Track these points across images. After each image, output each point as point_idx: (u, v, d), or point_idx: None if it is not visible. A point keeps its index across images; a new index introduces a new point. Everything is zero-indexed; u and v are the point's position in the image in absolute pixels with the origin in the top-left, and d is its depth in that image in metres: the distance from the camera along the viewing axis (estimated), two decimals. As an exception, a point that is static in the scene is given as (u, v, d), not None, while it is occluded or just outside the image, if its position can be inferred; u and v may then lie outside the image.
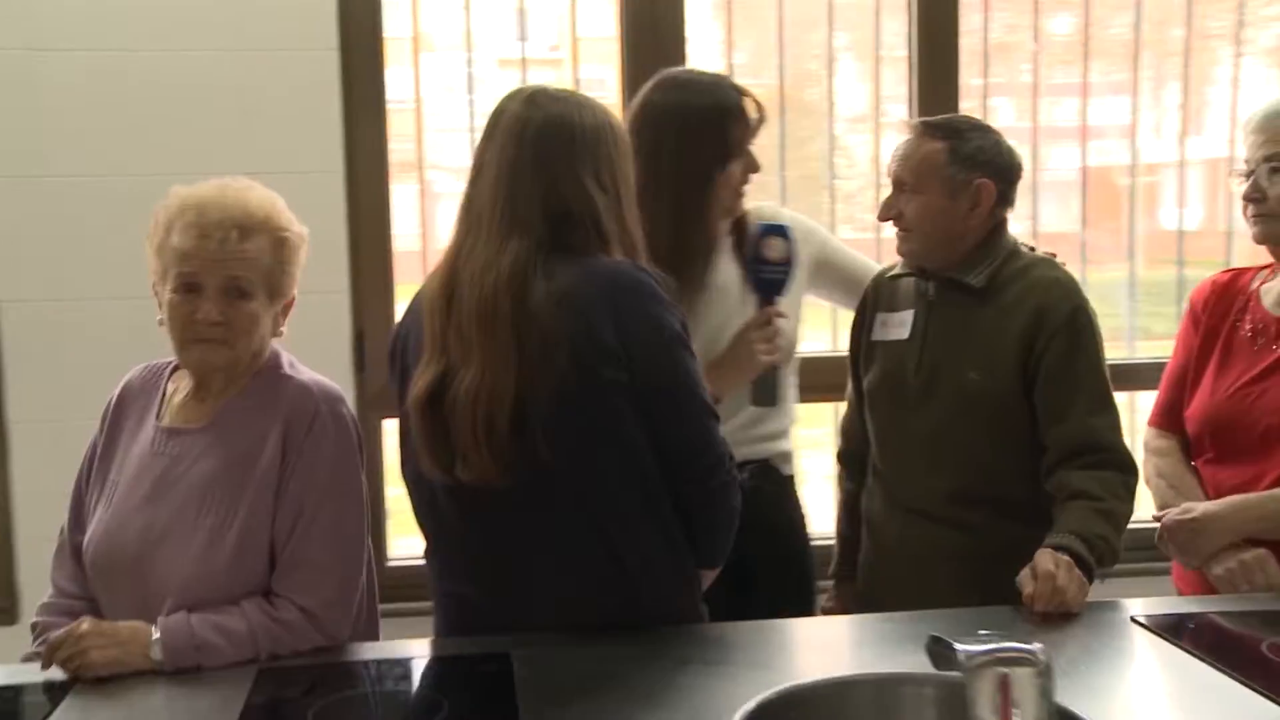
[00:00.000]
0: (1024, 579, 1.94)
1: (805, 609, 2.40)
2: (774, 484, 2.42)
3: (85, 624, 1.71)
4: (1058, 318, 2.16)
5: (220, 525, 1.80)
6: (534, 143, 1.84)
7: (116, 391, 1.99)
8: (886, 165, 2.29)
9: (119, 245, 2.86)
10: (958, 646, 1.29)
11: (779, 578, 2.41)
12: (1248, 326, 2.28)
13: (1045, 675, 1.27)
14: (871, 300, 2.38)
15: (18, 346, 2.92)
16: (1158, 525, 2.24)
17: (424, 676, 1.75)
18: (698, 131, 2.22)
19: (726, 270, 2.35)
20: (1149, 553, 2.31)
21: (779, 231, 2.21)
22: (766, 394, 2.27)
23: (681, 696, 1.61)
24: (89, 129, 2.88)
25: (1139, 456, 2.25)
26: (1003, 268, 2.23)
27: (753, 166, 2.30)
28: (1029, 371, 2.17)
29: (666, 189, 2.21)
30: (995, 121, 2.45)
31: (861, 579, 2.40)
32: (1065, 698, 1.51)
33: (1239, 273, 2.37)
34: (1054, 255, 2.31)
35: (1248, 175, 2.21)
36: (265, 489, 1.82)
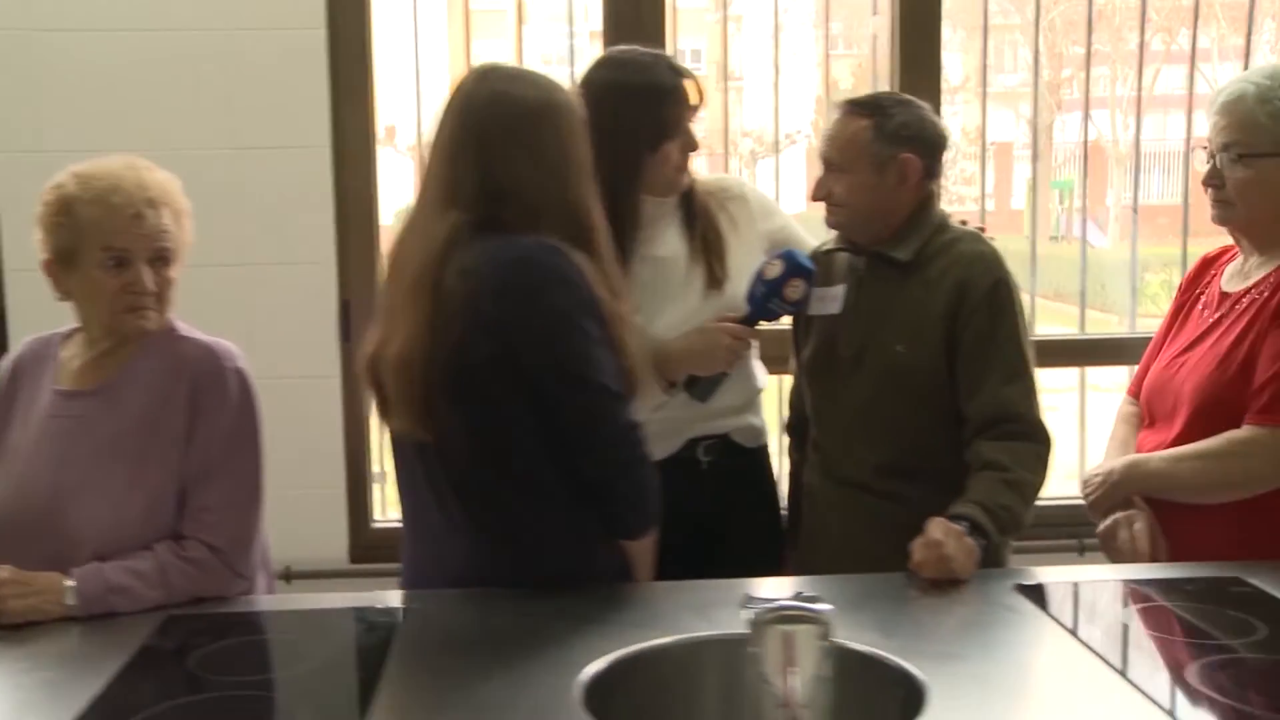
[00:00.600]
0: (915, 546, 1.98)
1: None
2: (733, 458, 2.47)
3: (4, 572, 1.83)
4: (979, 292, 2.19)
5: (131, 479, 1.92)
6: (476, 120, 1.91)
7: (8, 364, 2.10)
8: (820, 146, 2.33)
9: None
10: (747, 606, 1.35)
11: (741, 551, 2.47)
12: (1203, 301, 2.30)
13: (826, 634, 1.33)
14: (815, 277, 2.42)
15: (22, 314, 3.07)
16: None
17: (313, 628, 1.85)
18: (631, 109, 2.28)
19: (672, 243, 2.40)
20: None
21: (808, 276, 2.27)
22: (705, 392, 2.34)
23: (548, 653, 1.67)
24: (85, 106, 3.01)
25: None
26: (930, 242, 2.26)
27: (690, 145, 2.34)
28: (952, 345, 2.21)
29: (601, 165, 2.28)
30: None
31: (802, 550, 2.45)
32: (917, 660, 1.59)
33: (1224, 250, 2.37)
34: (983, 230, 2.33)
35: (1211, 156, 2.20)
36: (173, 442, 1.94)
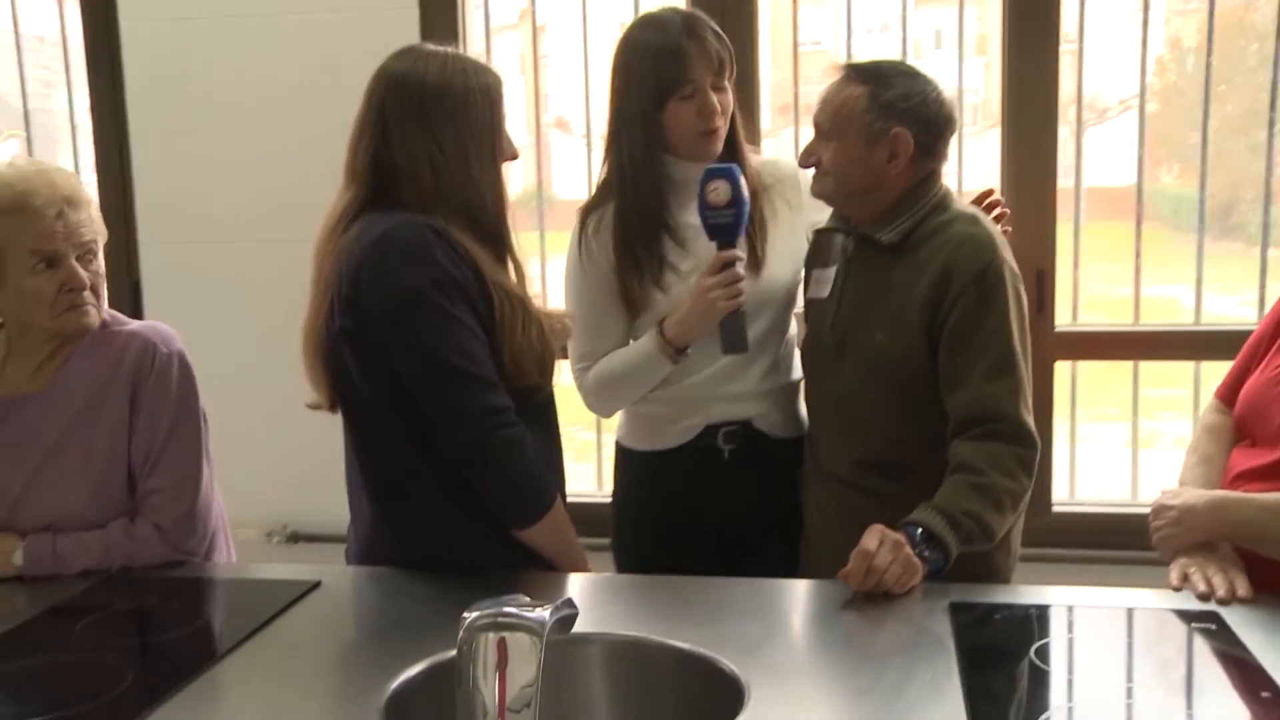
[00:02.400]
0: (852, 554, 1.82)
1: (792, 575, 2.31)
2: (759, 449, 2.34)
3: None
4: (964, 276, 1.99)
5: (78, 472, 1.99)
6: (379, 98, 1.96)
7: None
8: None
9: (243, 193, 3.21)
10: (467, 611, 1.27)
11: (761, 542, 2.36)
12: None
13: (540, 642, 1.24)
14: (810, 257, 2.27)
15: (156, 284, 3.31)
16: None
17: (225, 596, 1.92)
18: (636, 65, 2.20)
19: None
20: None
21: (722, 174, 2.13)
22: (734, 341, 2.18)
23: (408, 647, 1.63)
24: (211, 90, 3.21)
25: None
26: (922, 224, 2.07)
27: (708, 106, 2.18)
28: (934, 334, 2.01)
29: (614, 122, 2.24)
30: None
31: (801, 545, 2.31)
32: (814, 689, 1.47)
33: None
34: (1003, 210, 2.10)
35: None
36: (118, 433, 2.01)
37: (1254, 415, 1.93)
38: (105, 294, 2.04)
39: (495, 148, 1.97)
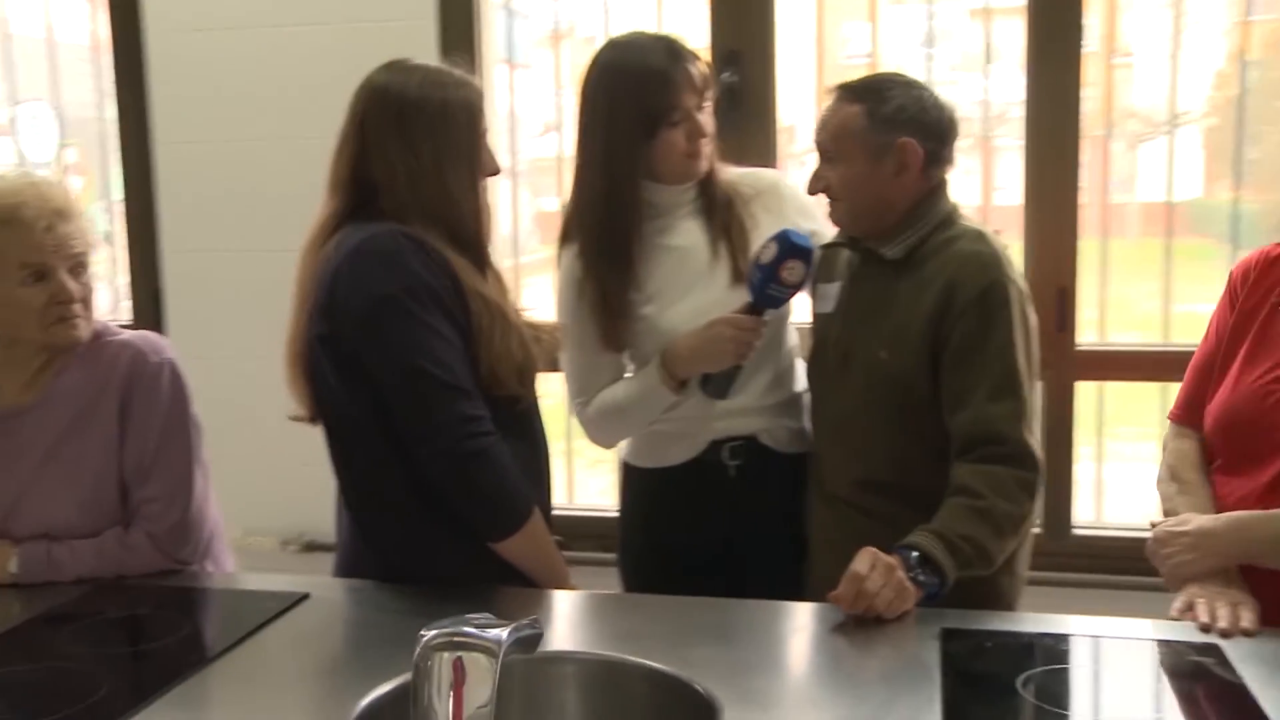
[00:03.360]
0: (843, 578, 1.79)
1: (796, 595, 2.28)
2: (765, 463, 2.30)
3: None
4: (968, 294, 1.94)
5: (67, 484, 1.99)
6: (359, 111, 1.96)
7: None
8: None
9: (266, 202, 3.20)
10: (425, 630, 1.26)
11: (767, 560, 2.32)
12: None
13: (496, 663, 1.22)
14: (817, 272, 2.23)
15: (179, 291, 3.33)
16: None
17: (213, 606, 1.93)
18: (621, 94, 2.16)
19: (692, 233, 2.27)
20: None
21: (804, 256, 2.09)
22: (720, 388, 2.20)
23: (395, 655, 1.61)
24: (232, 98, 3.23)
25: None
26: (928, 239, 2.03)
27: (697, 132, 2.20)
28: (937, 352, 1.97)
29: (596, 149, 2.19)
30: None
31: (805, 565, 2.27)
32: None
33: None
34: (998, 231, 2.06)
35: None
36: (109, 443, 2.00)
37: (1238, 433, 1.87)
38: (95, 305, 2.02)
39: (473, 161, 1.96)
